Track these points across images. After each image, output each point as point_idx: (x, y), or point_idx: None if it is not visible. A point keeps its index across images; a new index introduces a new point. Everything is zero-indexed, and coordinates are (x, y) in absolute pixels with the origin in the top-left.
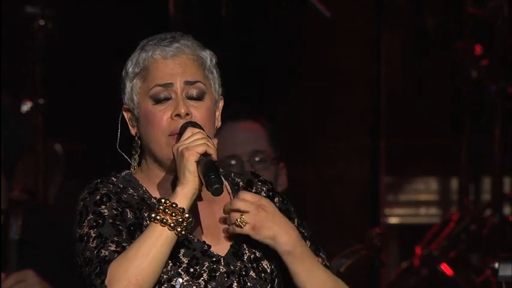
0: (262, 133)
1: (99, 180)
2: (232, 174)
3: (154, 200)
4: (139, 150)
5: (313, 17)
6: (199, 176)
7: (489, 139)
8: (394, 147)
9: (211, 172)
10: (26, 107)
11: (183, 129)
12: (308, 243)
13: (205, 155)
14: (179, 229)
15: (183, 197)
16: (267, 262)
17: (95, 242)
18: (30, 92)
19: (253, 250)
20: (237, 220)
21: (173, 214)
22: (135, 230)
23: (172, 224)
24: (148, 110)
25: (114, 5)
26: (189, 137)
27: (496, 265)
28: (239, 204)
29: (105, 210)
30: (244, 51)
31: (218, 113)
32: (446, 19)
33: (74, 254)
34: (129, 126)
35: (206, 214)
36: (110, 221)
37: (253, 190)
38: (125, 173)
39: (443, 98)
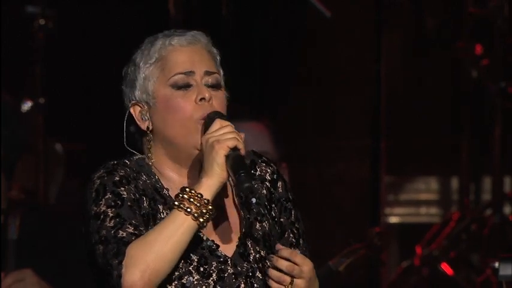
0: (266, 134)
1: (115, 162)
2: None
3: (166, 192)
4: (151, 144)
5: (313, 17)
6: (227, 170)
7: (489, 139)
8: (395, 147)
9: (242, 169)
10: (26, 106)
11: (211, 119)
12: (301, 241)
13: (234, 149)
14: (201, 220)
15: (208, 188)
16: None
17: (112, 221)
18: (31, 92)
19: (258, 249)
20: (286, 285)
21: (198, 204)
22: (148, 220)
23: (196, 214)
24: (169, 96)
25: (114, 4)
26: (218, 129)
27: (497, 265)
28: (291, 269)
29: (124, 193)
30: (244, 51)
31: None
32: (447, 19)
33: (85, 231)
34: (138, 121)
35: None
36: (129, 203)
37: (258, 172)
38: (137, 157)
39: (443, 97)
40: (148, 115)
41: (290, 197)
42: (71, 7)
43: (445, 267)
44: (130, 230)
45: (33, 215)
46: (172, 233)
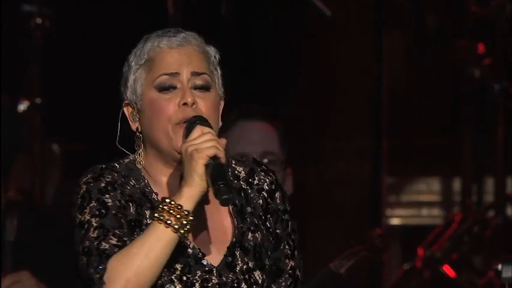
0: (274, 135)
1: (103, 166)
2: (234, 162)
3: (155, 196)
4: (142, 145)
5: (313, 16)
6: (207, 180)
7: (492, 139)
8: (396, 147)
9: (221, 180)
10: (23, 106)
11: (192, 124)
12: (295, 252)
13: (214, 158)
14: (182, 231)
15: (188, 199)
16: (259, 273)
17: (96, 232)
18: (28, 92)
19: (246, 260)
20: None
21: (178, 216)
22: (135, 226)
23: (176, 226)
24: (154, 99)
25: (113, 3)
26: (198, 136)
27: (499, 267)
28: None
29: (109, 200)
30: (244, 51)
31: (219, 113)
32: (448, 18)
33: (72, 237)
34: (130, 121)
35: (203, 218)
36: (113, 212)
37: (256, 181)
38: (128, 160)
39: (445, 97)
40: (138, 116)
41: (287, 208)
42: (68, 6)
43: (447, 270)
44: (114, 241)
45: (30, 216)
46: (153, 247)
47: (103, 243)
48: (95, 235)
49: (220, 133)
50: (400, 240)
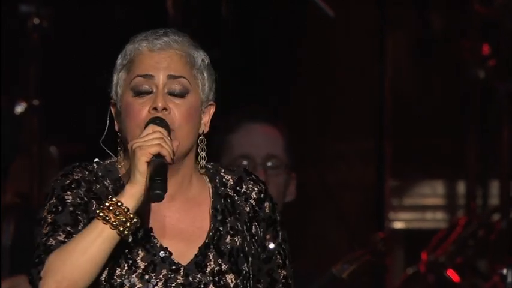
0: (279, 139)
1: (77, 164)
2: (223, 171)
3: None
4: (123, 146)
5: (314, 16)
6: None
7: (497, 141)
8: (399, 150)
9: (159, 176)
10: (20, 108)
11: (147, 124)
12: (287, 262)
13: (158, 156)
14: (121, 229)
15: (130, 197)
16: (232, 276)
17: (48, 228)
18: (25, 93)
19: (220, 262)
20: None
21: (117, 213)
22: None
23: (114, 223)
24: (129, 102)
25: (112, 3)
26: (146, 135)
27: (504, 271)
28: None
29: (69, 197)
30: (244, 51)
31: (206, 119)
32: (452, 18)
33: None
34: (115, 122)
35: (181, 216)
36: (70, 209)
37: (243, 189)
38: (109, 161)
39: (449, 98)
40: (119, 116)
41: (277, 218)
42: (66, 6)
43: (452, 274)
44: (61, 237)
45: (28, 220)
46: (90, 243)
47: (50, 239)
48: (46, 231)
49: (224, 134)
50: (403, 244)
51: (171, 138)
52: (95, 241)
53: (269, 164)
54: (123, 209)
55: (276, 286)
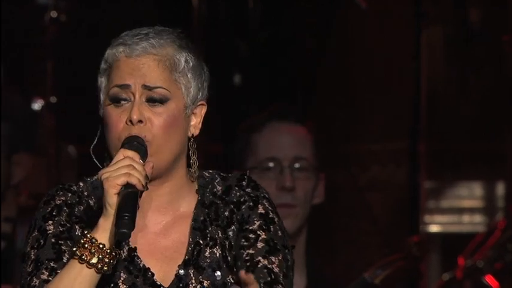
0: (307, 139)
1: (60, 186)
2: (218, 180)
3: None
4: (108, 156)
5: (345, 9)
6: None
7: None
8: (435, 150)
9: (126, 211)
10: (37, 106)
11: (122, 145)
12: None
13: (128, 185)
14: (100, 266)
15: (104, 231)
16: None
17: (31, 266)
18: (42, 90)
19: (201, 279)
20: None
21: (92, 250)
22: None
23: (91, 262)
24: (108, 112)
25: None
26: (114, 163)
27: None
28: None
29: (51, 228)
30: (271, 45)
31: (197, 120)
32: (491, 12)
33: None
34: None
35: (168, 232)
36: (53, 240)
37: (228, 197)
38: (96, 177)
39: (487, 97)
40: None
41: (270, 215)
42: None
43: (490, 280)
44: (44, 276)
45: None
46: (71, 283)
47: (34, 278)
48: (30, 269)
49: (249, 134)
50: (439, 248)
51: (144, 159)
52: (76, 280)
53: (296, 166)
54: (98, 245)
55: (255, 268)
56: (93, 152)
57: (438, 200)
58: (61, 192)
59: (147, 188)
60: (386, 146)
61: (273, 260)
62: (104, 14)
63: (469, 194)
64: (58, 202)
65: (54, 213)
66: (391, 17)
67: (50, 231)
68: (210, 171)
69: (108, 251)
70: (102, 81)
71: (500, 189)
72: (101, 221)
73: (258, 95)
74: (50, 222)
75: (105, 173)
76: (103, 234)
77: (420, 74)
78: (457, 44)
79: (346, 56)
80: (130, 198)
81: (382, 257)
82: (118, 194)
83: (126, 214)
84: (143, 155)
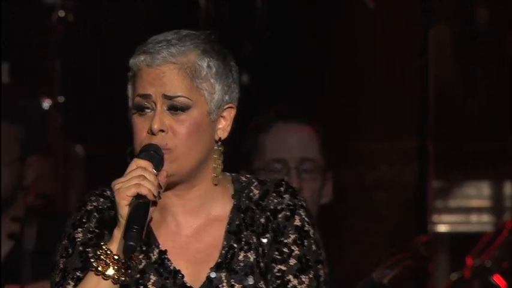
0: (314, 140)
1: (94, 192)
2: (255, 184)
3: None
4: None
5: (352, 8)
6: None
7: None
8: (443, 149)
9: (135, 223)
10: (44, 105)
11: (138, 154)
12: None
13: (138, 197)
14: (116, 277)
15: (118, 243)
16: None
17: (59, 276)
18: (49, 90)
19: (233, 283)
20: None
21: (108, 261)
22: None
23: (107, 273)
24: (133, 120)
25: None
26: (128, 173)
27: None
28: None
29: (79, 235)
30: (278, 45)
31: (225, 123)
32: (498, 10)
33: None
34: None
35: (199, 235)
36: (80, 248)
37: (265, 203)
38: None
39: (495, 95)
40: None
41: (306, 228)
42: None
43: (498, 280)
44: (70, 286)
45: (51, 223)
46: None
47: None
48: (57, 279)
49: (255, 134)
50: (447, 248)
51: (159, 168)
52: None
53: (304, 167)
54: (113, 256)
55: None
56: (128, 155)
57: (446, 200)
58: (93, 198)
59: (160, 198)
60: (394, 145)
61: (303, 279)
62: (111, 14)
63: (477, 194)
64: (89, 208)
65: (84, 220)
66: (395, 17)
67: (79, 239)
68: (248, 175)
69: (123, 261)
70: (129, 88)
71: (508, 188)
72: (116, 232)
73: (264, 94)
74: (79, 229)
75: (117, 184)
76: (118, 245)
77: (428, 72)
78: (463, 42)
79: (351, 54)
80: (141, 209)
81: (389, 257)
82: (129, 205)
83: (134, 227)
84: (157, 163)
